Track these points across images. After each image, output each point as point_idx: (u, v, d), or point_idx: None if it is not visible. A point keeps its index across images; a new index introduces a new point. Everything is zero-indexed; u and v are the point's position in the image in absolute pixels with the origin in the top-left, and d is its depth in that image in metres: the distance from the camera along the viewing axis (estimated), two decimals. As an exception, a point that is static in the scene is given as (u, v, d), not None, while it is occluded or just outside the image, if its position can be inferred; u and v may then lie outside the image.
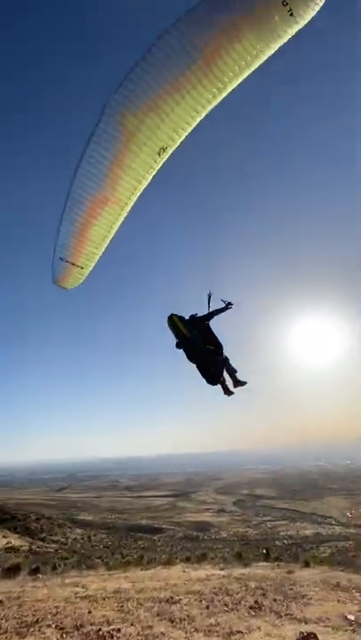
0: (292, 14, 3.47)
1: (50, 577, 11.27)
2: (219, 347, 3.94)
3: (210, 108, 3.98)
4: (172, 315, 3.95)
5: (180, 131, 3.89)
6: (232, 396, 4.17)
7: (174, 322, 3.88)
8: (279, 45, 3.76)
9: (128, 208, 4.03)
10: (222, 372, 4.05)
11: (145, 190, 4.20)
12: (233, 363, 4.08)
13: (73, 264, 4.12)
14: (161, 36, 3.61)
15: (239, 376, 4.25)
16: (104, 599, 7.93)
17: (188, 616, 6.65)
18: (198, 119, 3.99)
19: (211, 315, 4.05)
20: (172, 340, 3.94)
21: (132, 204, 4.04)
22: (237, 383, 4.32)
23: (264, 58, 3.79)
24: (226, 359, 4.06)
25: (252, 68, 3.86)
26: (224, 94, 3.96)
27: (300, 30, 3.75)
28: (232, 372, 4.16)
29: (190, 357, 3.80)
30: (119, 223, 4.16)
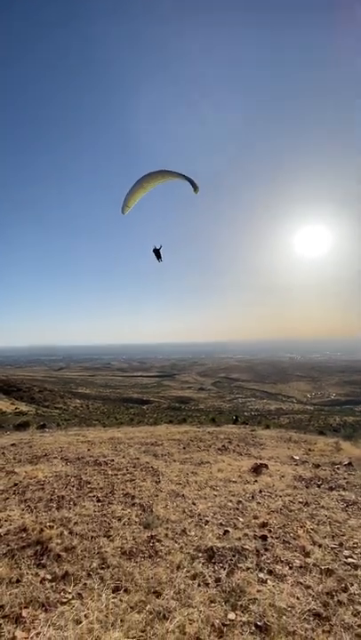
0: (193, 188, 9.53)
1: (55, 431, 13.54)
2: (159, 255, 11.04)
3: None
4: (154, 247, 11.16)
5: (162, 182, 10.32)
6: (161, 262, 11.26)
7: (155, 249, 11.08)
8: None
9: (147, 192, 10.36)
10: (159, 257, 10.98)
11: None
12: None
13: (127, 206, 10.43)
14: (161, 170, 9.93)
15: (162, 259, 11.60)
16: (101, 443, 9.75)
17: (168, 453, 8.41)
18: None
19: (159, 249, 11.12)
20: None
21: (149, 190, 10.32)
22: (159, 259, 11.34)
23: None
24: (160, 255, 11.24)
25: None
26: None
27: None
28: (160, 257, 11.12)
29: (155, 254, 11.08)
30: (145, 194, 10.49)
